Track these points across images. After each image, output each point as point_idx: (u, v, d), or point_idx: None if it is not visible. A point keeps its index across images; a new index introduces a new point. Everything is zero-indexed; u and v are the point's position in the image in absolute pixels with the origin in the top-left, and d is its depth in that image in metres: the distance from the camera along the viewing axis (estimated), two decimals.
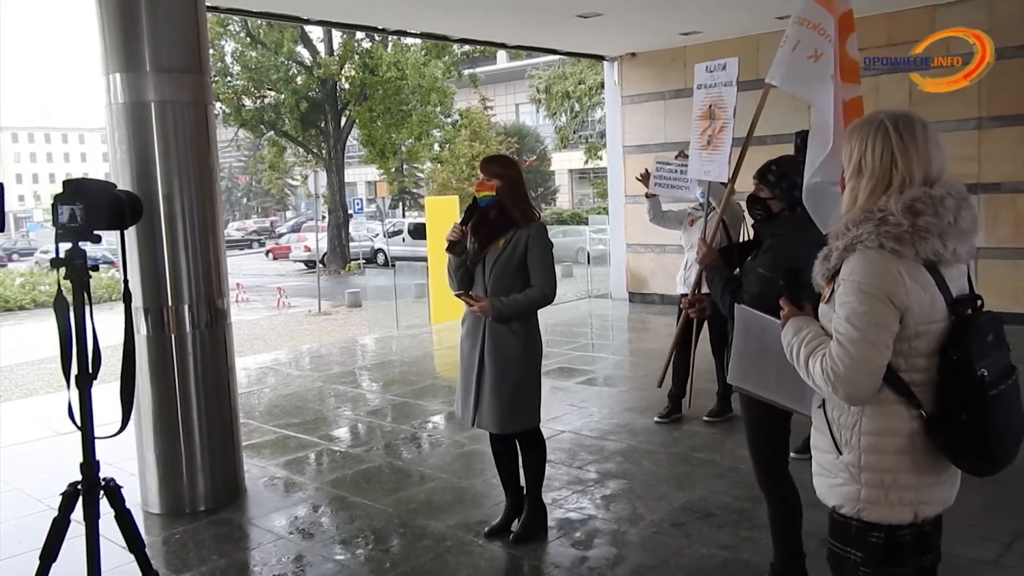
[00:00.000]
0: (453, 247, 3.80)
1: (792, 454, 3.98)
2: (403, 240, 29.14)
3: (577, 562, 3.88)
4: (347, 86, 28.63)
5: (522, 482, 4.12)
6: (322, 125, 29.47)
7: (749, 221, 3.59)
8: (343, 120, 29.37)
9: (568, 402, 6.72)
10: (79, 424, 2.22)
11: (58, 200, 1.81)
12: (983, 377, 2.01)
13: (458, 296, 3.84)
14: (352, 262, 28.78)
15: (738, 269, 3.30)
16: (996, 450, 2.07)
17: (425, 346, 10.53)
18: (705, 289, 3.40)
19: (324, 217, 28.50)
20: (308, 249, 29.51)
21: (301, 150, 31.97)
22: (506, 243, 3.74)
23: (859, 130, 2.15)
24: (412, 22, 10.28)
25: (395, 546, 4.15)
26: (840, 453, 2.14)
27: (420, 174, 39.71)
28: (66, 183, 1.86)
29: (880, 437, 2.09)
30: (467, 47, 23.85)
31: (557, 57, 24.85)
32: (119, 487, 2.46)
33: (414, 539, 4.20)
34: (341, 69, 27.72)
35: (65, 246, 1.86)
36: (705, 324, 5.55)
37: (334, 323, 16.57)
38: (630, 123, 12.43)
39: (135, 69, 4.53)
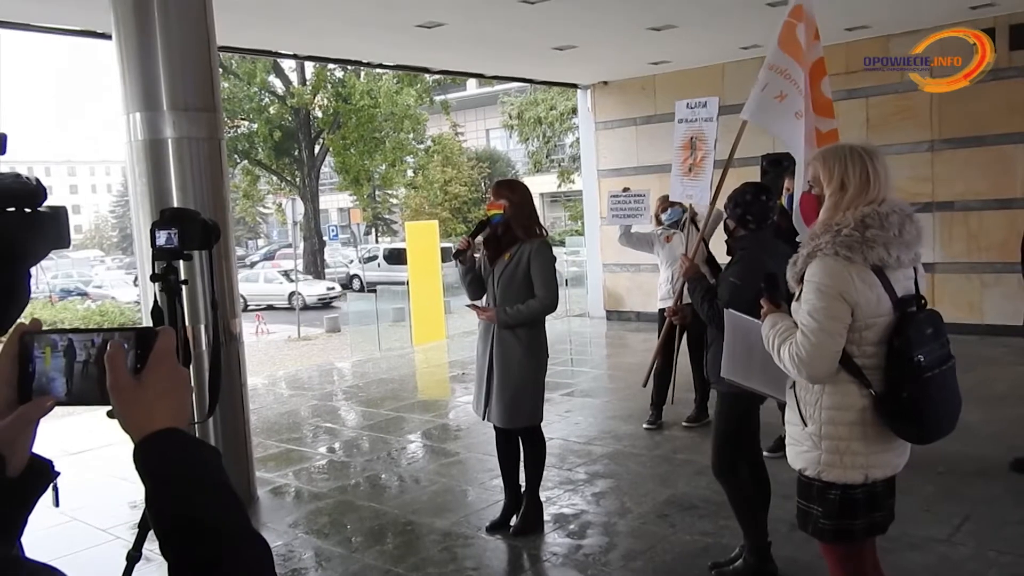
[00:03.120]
0: (460, 254, 4.23)
1: (766, 452, 4.44)
2: (378, 265, 29.45)
3: (573, 550, 4.27)
4: (320, 115, 29.07)
5: (521, 480, 4.51)
6: (296, 153, 29.84)
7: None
8: (317, 148, 29.78)
9: (554, 412, 7.10)
10: None
11: (156, 226, 2.20)
12: (919, 362, 2.46)
13: (468, 307, 4.29)
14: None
15: (714, 280, 3.75)
16: (929, 422, 2.53)
17: (410, 366, 10.88)
18: (686, 299, 3.84)
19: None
20: None
21: (275, 178, 32.30)
22: (511, 257, 4.18)
23: (838, 155, 2.60)
24: (395, 55, 10.71)
25: (407, 541, 4.52)
26: (805, 425, 2.58)
27: (394, 200, 40.07)
28: (163, 212, 2.25)
29: (837, 411, 2.53)
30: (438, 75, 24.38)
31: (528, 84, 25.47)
32: None
33: (421, 535, 4.57)
34: (314, 98, 28.17)
35: (161, 264, 2.26)
36: (685, 337, 5.98)
37: (315, 348, 16.82)
38: (604, 148, 12.93)
39: (153, 108, 4.90)
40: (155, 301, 2.28)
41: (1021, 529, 4.20)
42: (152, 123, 4.92)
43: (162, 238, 2.20)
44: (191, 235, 2.22)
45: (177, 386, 0.95)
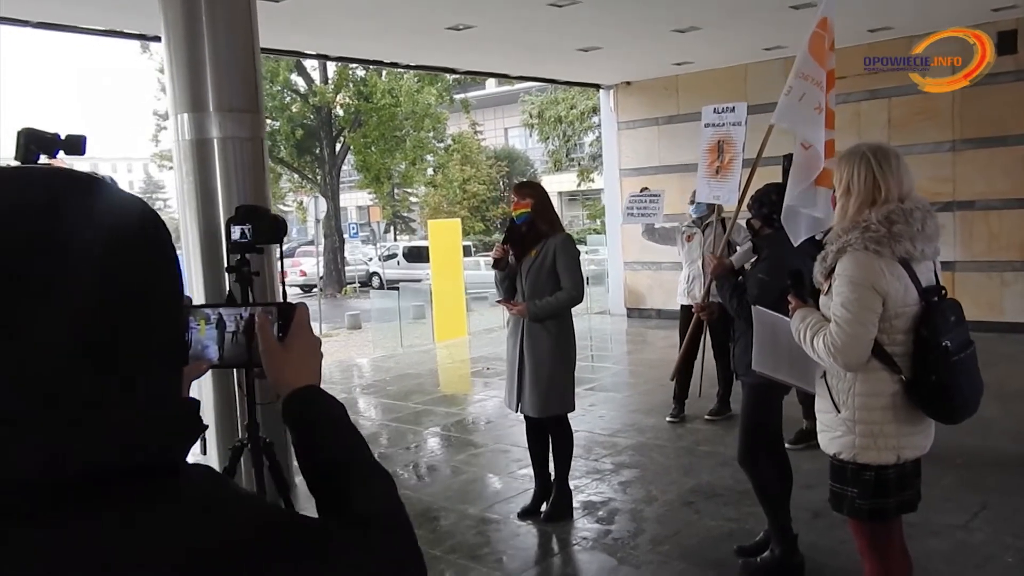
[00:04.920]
0: (498, 263, 4.42)
1: (787, 444, 4.60)
2: (398, 263, 29.73)
3: (602, 535, 4.45)
4: (342, 113, 29.32)
5: (550, 468, 4.69)
6: (317, 152, 30.10)
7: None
8: (338, 147, 30.03)
9: (578, 406, 7.20)
10: (247, 393, 2.80)
11: (231, 222, 2.40)
12: (947, 347, 2.63)
13: (499, 303, 4.47)
14: (348, 285, 29.31)
15: (740, 277, 3.92)
16: (957, 403, 2.70)
17: (434, 361, 11.09)
18: (712, 295, 4.01)
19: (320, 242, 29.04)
20: (304, 273, 30.00)
21: (296, 176, 32.58)
22: (538, 253, 4.37)
23: (846, 160, 2.77)
24: (423, 56, 10.92)
25: (442, 526, 4.71)
26: (839, 411, 2.74)
27: (413, 198, 40.31)
28: (238, 209, 2.45)
29: (869, 397, 2.69)
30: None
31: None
32: (272, 443, 3.03)
33: (457, 520, 4.76)
34: (336, 97, 28.43)
35: (235, 257, 2.47)
36: (707, 332, 6.12)
37: (337, 344, 16.97)
38: (626, 147, 13.09)
39: (200, 110, 5.10)
40: (229, 291, 2.49)
41: None
42: (199, 124, 5.11)
43: (236, 233, 2.40)
44: (262, 230, 2.42)
45: (314, 351, 1.15)
